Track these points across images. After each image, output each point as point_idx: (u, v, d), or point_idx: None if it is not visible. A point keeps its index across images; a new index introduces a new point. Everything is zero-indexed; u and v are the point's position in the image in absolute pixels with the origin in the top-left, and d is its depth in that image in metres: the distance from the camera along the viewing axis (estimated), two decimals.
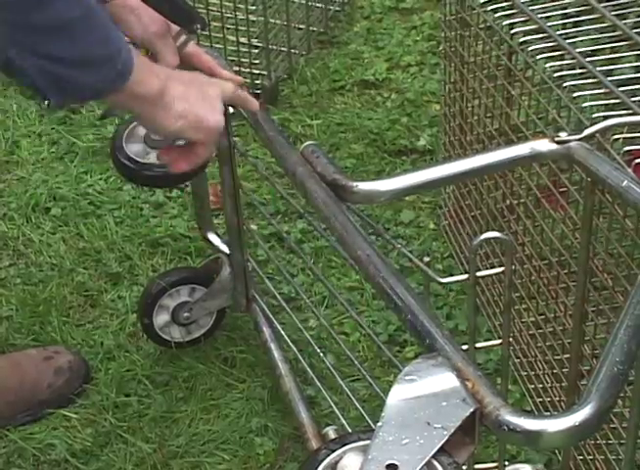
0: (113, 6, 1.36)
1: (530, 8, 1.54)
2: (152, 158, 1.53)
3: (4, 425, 1.74)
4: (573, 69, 1.44)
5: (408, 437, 0.85)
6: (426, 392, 0.88)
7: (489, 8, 1.62)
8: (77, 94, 1.12)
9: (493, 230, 1.57)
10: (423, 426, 0.85)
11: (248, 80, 2.39)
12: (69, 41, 1.05)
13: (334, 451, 0.87)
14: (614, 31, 1.47)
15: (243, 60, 2.47)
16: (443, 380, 0.89)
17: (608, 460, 1.47)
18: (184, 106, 1.19)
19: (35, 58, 1.04)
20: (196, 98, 1.21)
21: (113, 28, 1.12)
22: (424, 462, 0.83)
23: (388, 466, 0.83)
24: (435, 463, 0.84)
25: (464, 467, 0.89)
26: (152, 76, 1.16)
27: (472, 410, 0.87)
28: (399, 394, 0.88)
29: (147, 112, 1.19)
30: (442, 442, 0.84)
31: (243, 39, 2.47)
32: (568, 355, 1.51)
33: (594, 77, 1.39)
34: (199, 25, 1.40)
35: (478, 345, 1.14)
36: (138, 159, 1.53)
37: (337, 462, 0.86)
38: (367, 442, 0.86)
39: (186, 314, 1.78)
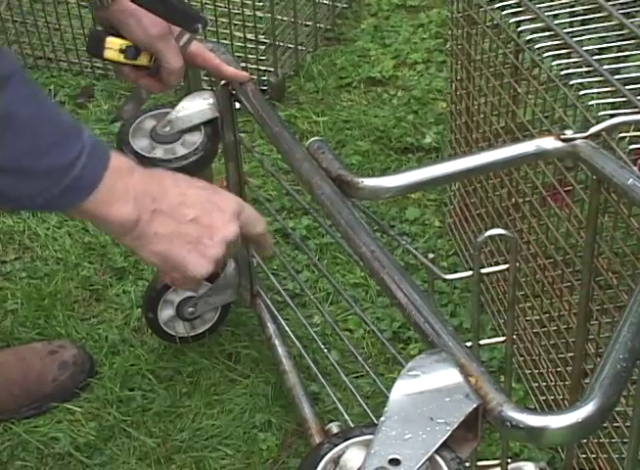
0: (112, 11, 1.36)
1: (538, 6, 1.54)
2: (158, 153, 1.53)
3: (8, 418, 1.75)
4: (580, 67, 1.44)
5: (411, 432, 0.85)
6: (429, 387, 0.88)
7: (496, 6, 1.62)
8: (9, 203, 0.98)
9: (498, 228, 1.57)
10: (426, 421, 0.85)
11: (254, 77, 2.39)
12: None
13: (336, 446, 0.87)
14: (621, 30, 1.47)
15: (249, 56, 2.47)
16: (447, 376, 0.90)
17: (611, 459, 1.47)
18: (165, 247, 1.04)
19: None
20: (185, 241, 1.04)
21: (65, 135, 0.98)
22: (426, 457, 0.83)
23: (391, 461, 0.83)
24: (438, 458, 0.85)
25: (467, 464, 0.89)
26: (126, 202, 1.00)
27: (475, 406, 0.87)
28: (403, 389, 0.88)
29: (115, 234, 1.04)
30: (445, 437, 0.85)
31: (250, 36, 2.47)
32: (572, 354, 1.51)
33: (601, 76, 1.39)
34: (199, 25, 1.39)
35: (481, 342, 1.14)
36: (144, 153, 1.54)
37: (339, 456, 0.86)
38: (370, 436, 0.86)
39: (190, 309, 1.78)
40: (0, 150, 0.93)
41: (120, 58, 1.39)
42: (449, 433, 0.85)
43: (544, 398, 1.67)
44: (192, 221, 1.04)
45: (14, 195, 0.95)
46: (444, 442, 0.85)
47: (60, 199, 0.96)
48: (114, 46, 1.38)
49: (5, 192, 0.95)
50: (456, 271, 1.98)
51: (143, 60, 1.40)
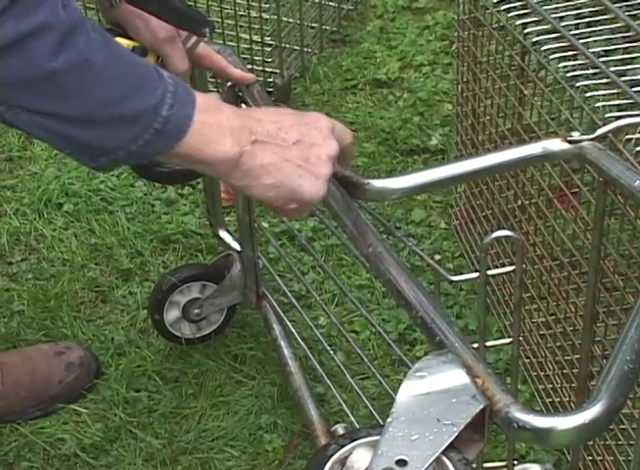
0: (119, 11, 1.36)
1: (544, 8, 1.54)
2: None
3: (15, 419, 1.75)
4: (586, 69, 1.44)
5: (418, 433, 0.85)
6: (436, 388, 0.88)
7: (503, 8, 1.62)
8: (105, 155, 0.95)
9: (504, 230, 1.57)
10: (433, 422, 0.85)
11: (260, 78, 2.39)
12: (60, 96, 0.91)
13: (343, 447, 0.87)
14: (627, 32, 1.47)
15: (256, 58, 2.48)
16: (454, 377, 0.89)
17: (617, 461, 1.47)
18: (275, 178, 1.01)
19: (27, 114, 0.92)
20: (295, 166, 1.02)
21: (144, 78, 0.96)
22: (433, 458, 0.83)
23: (398, 462, 0.83)
24: (445, 459, 0.84)
25: (473, 465, 0.89)
26: (224, 137, 0.98)
27: (482, 407, 0.87)
28: (409, 390, 0.88)
29: (220, 175, 1.02)
30: (452, 438, 0.84)
31: (256, 37, 2.47)
32: (578, 356, 1.51)
33: (607, 78, 1.39)
34: (207, 29, 1.39)
35: (488, 343, 1.14)
36: None
37: (346, 457, 0.86)
38: (376, 437, 0.86)
39: (196, 311, 1.79)
40: (84, 100, 0.92)
41: None
42: (456, 434, 0.85)
43: (550, 400, 1.67)
44: (295, 144, 1.02)
45: (108, 146, 0.94)
46: (451, 443, 0.84)
47: (153, 144, 0.95)
48: None
49: (99, 144, 0.94)
50: (462, 273, 1.97)
51: (150, 61, 1.41)
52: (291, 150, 1.02)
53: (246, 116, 1.02)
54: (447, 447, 0.84)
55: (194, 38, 1.40)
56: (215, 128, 0.98)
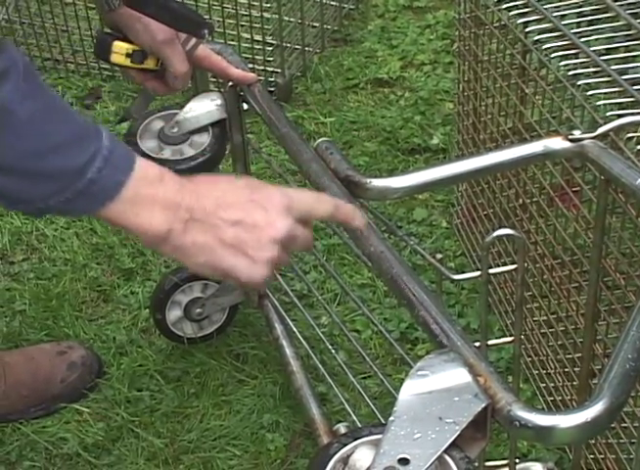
0: (119, 15, 1.36)
1: (545, 7, 1.54)
2: (166, 154, 1.54)
3: (17, 418, 1.75)
4: (588, 67, 1.44)
5: (420, 431, 0.85)
6: (438, 387, 0.89)
7: (504, 6, 1.62)
8: (23, 205, 0.93)
9: (505, 228, 1.57)
10: (435, 421, 0.86)
11: (261, 78, 2.39)
12: None
13: (345, 445, 0.87)
14: (628, 30, 1.47)
15: (257, 57, 2.48)
16: (456, 375, 0.90)
17: (619, 459, 1.47)
18: (206, 258, 0.96)
19: None
20: (229, 247, 0.95)
21: (77, 135, 0.92)
22: (435, 457, 0.83)
23: (400, 460, 0.83)
24: (447, 458, 0.85)
25: (475, 464, 0.89)
26: (153, 211, 0.93)
27: (484, 406, 0.87)
28: (412, 388, 0.88)
29: (148, 245, 0.97)
30: (454, 436, 0.85)
31: (257, 37, 2.47)
32: (579, 354, 1.51)
33: (608, 76, 1.39)
34: (206, 31, 1.40)
35: (489, 342, 1.14)
36: (152, 154, 1.54)
37: (348, 456, 0.86)
38: (379, 436, 0.86)
39: (198, 310, 1.79)
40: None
41: (127, 62, 1.40)
42: (458, 432, 0.85)
43: (552, 398, 1.67)
44: (233, 225, 0.95)
45: (25, 196, 0.91)
46: (453, 441, 0.85)
47: (75, 203, 0.91)
48: (120, 50, 1.39)
49: (15, 193, 0.91)
50: (463, 272, 1.97)
51: (150, 63, 1.41)
52: (226, 231, 0.95)
53: (187, 190, 0.96)
54: (449, 446, 0.85)
55: (193, 40, 1.40)
56: (147, 200, 0.93)
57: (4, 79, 0.88)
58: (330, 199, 1.07)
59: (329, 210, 1.03)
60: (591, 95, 1.41)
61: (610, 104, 1.37)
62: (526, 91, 1.63)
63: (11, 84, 0.88)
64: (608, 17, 1.51)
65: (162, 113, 1.57)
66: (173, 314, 1.79)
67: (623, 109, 1.34)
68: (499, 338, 1.20)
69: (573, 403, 1.58)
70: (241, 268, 0.96)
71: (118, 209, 0.93)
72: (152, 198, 0.93)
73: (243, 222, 0.96)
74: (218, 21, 2.44)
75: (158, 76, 1.43)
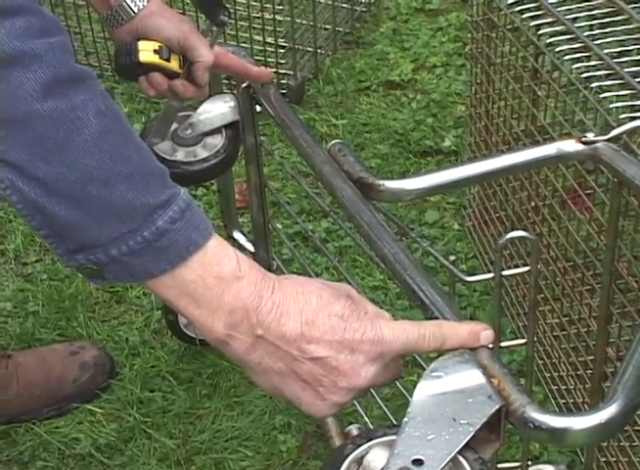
0: (141, 18, 1.36)
1: (558, 9, 1.54)
2: (179, 155, 1.54)
3: (30, 419, 1.76)
4: (600, 70, 1.44)
5: (434, 432, 0.85)
6: (452, 388, 0.88)
7: (517, 9, 1.62)
8: (83, 253, 0.80)
9: (518, 231, 1.57)
10: (449, 422, 0.86)
11: (274, 80, 2.40)
12: (42, 149, 0.76)
13: (360, 446, 0.87)
14: None
15: (269, 60, 2.48)
16: (469, 377, 0.90)
17: (632, 462, 1.47)
18: (272, 381, 0.84)
19: (18, 175, 0.77)
20: (300, 380, 0.83)
21: (153, 173, 0.81)
22: (449, 458, 0.83)
23: (414, 461, 0.83)
24: (461, 459, 0.85)
25: (488, 465, 0.89)
26: (216, 309, 0.80)
27: (497, 407, 0.87)
28: (426, 390, 0.88)
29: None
30: (468, 438, 0.84)
31: (269, 39, 2.48)
32: (592, 357, 1.51)
33: (621, 79, 1.39)
34: (225, 13, 1.40)
35: (502, 344, 1.14)
36: (165, 156, 1.54)
37: (362, 457, 0.86)
38: (393, 437, 0.86)
39: None
40: (61, 163, 0.77)
41: (156, 58, 1.37)
42: (472, 434, 0.85)
43: (564, 401, 1.67)
44: (312, 360, 0.82)
45: (85, 238, 0.79)
46: (467, 442, 0.85)
47: (138, 256, 0.79)
48: (147, 47, 1.36)
49: (75, 231, 0.79)
50: (475, 274, 1.97)
51: (174, 64, 1.39)
52: (302, 365, 0.83)
53: (269, 298, 0.82)
54: (463, 447, 0.84)
55: (213, 30, 1.41)
56: (215, 292, 0.80)
57: (82, 85, 0.80)
58: (441, 333, 0.89)
59: (436, 347, 0.88)
60: (604, 98, 1.41)
61: (623, 106, 1.37)
62: (539, 94, 1.63)
63: (89, 93, 0.80)
64: (620, 19, 1.51)
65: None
66: None
67: (636, 111, 1.34)
68: (511, 340, 1.20)
69: (585, 406, 1.58)
70: (306, 402, 0.85)
71: (181, 286, 0.80)
72: (220, 293, 0.80)
73: (324, 361, 0.83)
74: (231, 23, 2.44)
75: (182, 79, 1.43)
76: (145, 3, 1.34)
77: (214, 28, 1.41)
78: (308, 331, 0.82)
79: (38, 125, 0.76)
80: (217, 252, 0.81)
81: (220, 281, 0.80)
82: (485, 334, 0.89)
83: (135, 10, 1.34)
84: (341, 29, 2.71)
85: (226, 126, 1.56)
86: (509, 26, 1.68)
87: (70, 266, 0.82)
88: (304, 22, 2.58)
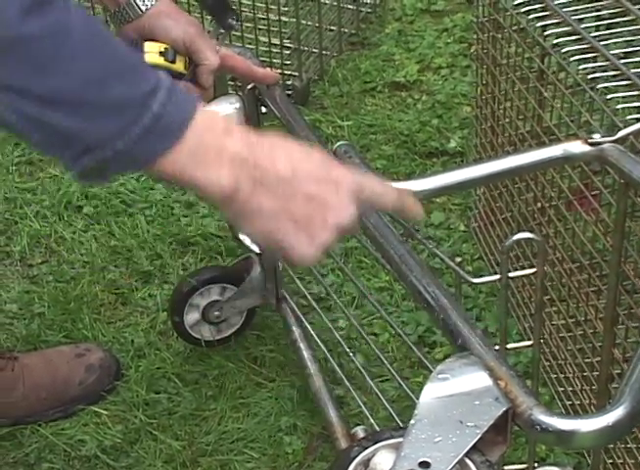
0: (149, 17, 1.36)
1: (564, 10, 1.54)
2: None
3: (36, 420, 1.76)
4: (607, 71, 1.44)
5: (441, 435, 0.85)
6: (458, 390, 0.89)
7: (522, 10, 1.62)
8: (90, 154, 0.84)
9: (525, 232, 1.57)
10: (455, 424, 0.86)
11: (280, 81, 2.40)
12: (34, 65, 0.80)
13: (366, 448, 0.88)
14: None
15: (274, 61, 2.48)
16: (476, 379, 0.90)
17: (638, 464, 1.46)
18: (266, 227, 0.89)
19: (16, 97, 0.81)
20: (294, 222, 0.89)
21: (134, 63, 0.87)
22: (456, 460, 0.83)
23: (421, 464, 0.83)
24: (468, 461, 0.85)
25: (495, 467, 0.89)
26: (220, 164, 0.86)
27: (504, 409, 0.87)
28: (432, 392, 0.88)
29: (210, 202, 0.92)
30: (475, 440, 0.85)
31: (275, 40, 2.48)
32: (598, 358, 1.50)
33: (628, 80, 1.39)
34: (234, 17, 1.40)
35: (508, 345, 1.14)
36: None
37: (369, 459, 0.86)
38: (399, 439, 0.86)
39: (216, 313, 1.79)
40: (61, 75, 0.81)
41: (161, 61, 1.37)
42: (479, 436, 0.85)
43: (570, 402, 1.67)
44: (304, 198, 0.89)
45: (91, 139, 0.83)
46: (474, 445, 0.85)
47: (141, 144, 0.83)
48: (153, 49, 1.35)
49: (80, 136, 0.83)
50: (481, 275, 1.96)
51: (179, 65, 1.39)
52: (296, 202, 0.89)
53: (259, 147, 0.89)
54: (470, 450, 0.85)
55: (219, 33, 1.41)
56: (213, 152, 0.86)
57: (57, 2, 0.82)
58: (395, 190, 0.99)
59: (393, 202, 0.98)
60: (610, 98, 1.40)
61: (629, 107, 1.37)
62: (545, 94, 1.63)
63: (65, 7, 0.82)
64: (627, 20, 1.51)
65: None
66: (191, 317, 1.79)
67: None
68: (517, 341, 1.20)
69: (592, 408, 1.58)
70: (298, 246, 0.90)
71: (182, 156, 0.85)
72: (218, 149, 0.86)
73: (316, 199, 0.90)
74: (238, 26, 2.45)
75: (186, 81, 1.43)
76: (154, 2, 1.34)
77: (221, 31, 1.41)
78: (299, 170, 0.89)
79: (27, 46, 0.79)
80: (206, 118, 0.87)
81: (215, 141, 0.86)
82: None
83: (143, 8, 1.34)
84: (346, 30, 2.71)
85: None
86: (515, 27, 1.68)
87: (75, 171, 0.86)
88: (310, 23, 2.58)
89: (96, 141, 0.83)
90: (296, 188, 0.89)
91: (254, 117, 1.56)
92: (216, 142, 0.87)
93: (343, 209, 0.91)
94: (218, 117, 0.90)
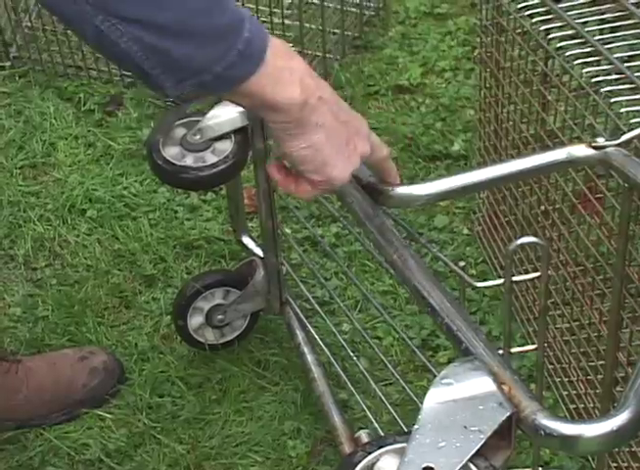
0: None
1: (567, 13, 1.54)
2: (188, 161, 1.54)
3: (40, 424, 1.76)
4: (610, 74, 1.43)
5: (445, 440, 0.85)
6: (462, 395, 0.88)
7: (526, 13, 1.62)
8: (192, 78, 0.94)
9: (528, 236, 1.57)
10: (460, 429, 0.85)
11: None
12: (155, 2, 0.91)
13: (370, 454, 0.87)
14: None
15: None
16: (480, 384, 0.89)
17: None
18: (321, 138, 1.01)
19: (124, 24, 0.90)
20: (338, 140, 1.03)
21: None
22: (460, 465, 0.83)
23: (425, 469, 0.83)
24: (472, 467, 0.84)
25: None
26: (293, 82, 0.98)
27: (508, 414, 0.87)
28: (436, 397, 0.88)
29: (273, 120, 1.01)
30: (479, 445, 0.84)
31: None
32: (602, 362, 1.50)
33: (631, 83, 1.39)
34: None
35: (512, 349, 1.14)
36: (175, 161, 1.54)
37: (373, 464, 0.86)
38: (403, 444, 0.86)
39: (220, 317, 1.79)
40: (178, 8, 0.91)
41: None
42: (483, 441, 0.85)
43: (574, 406, 1.67)
44: (343, 123, 1.03)
45: (197, 65, 0.93)
46: (478, 450, 0.84)
47: (235, 67, 0.94)
48: None
49: (189, 62, 0.93)
50: (485, 279, 1.97)
51: None
52: (340, 125, 1.03)
53: (313, 74, 1.03)
54: (474, 455, 0.84)
55: None
56: (286, 71, 0.98)
57: None
58: (387, 148, 1.14)
59: (385, 155, 1.13)
60: (614, 102, 1.40)
61: (633, 111, 1.37)
62: (549, 98, 1.63)
63: None
64: (630, 23, 1.51)
65: (185, 120, 1.58)
66: (195, 321, 1.79)
67: None
68: (521, 345, 1.20)
69: (596, 411, 1.58)
70: (339, 162, 1.03)
71: (264, 77, 0.96)
72: (290, 69, 0.98)
73: (349, 125, 1.04)
74: None
75: None
76: None
77: None
78: (339, 102, 1.04)
79: None
80: (278, 42, 0.99)
81: (288, 61, 0.98)
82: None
83: None
84: (349, 34, 2.70)
85: (235, 131, 1.55)
86: (518, 30, 1.68)
87: (173, 95, 0.95)
88: (313, 26, 2.58)
89: (199, 66, 0.93)
90: (339, 113, 1.03)
91: (258, 121, 1.56)
92: (286, 64, 0.98)
93: (366, 141, 1.07)
94: (280, 41, 1.00)
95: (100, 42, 0.92)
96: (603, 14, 1.56)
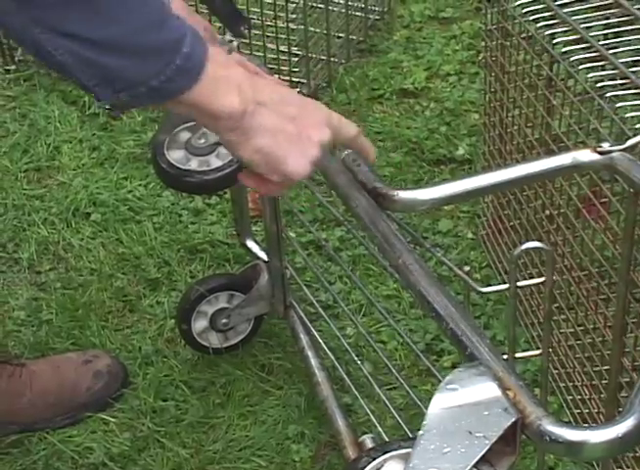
0: None
1: (572, 18, 1.54)
2: (193, 164, 1.54)
3: (43, 427, 1.76)
4: (615, 79, 1.43)
5: (450, 445, 0.84)
6: (467, 401, 0.88)
7: (531, 18, 1.62)
8: (128, 90, 0.96)
9: (532, 240, 1.57)
10: (464, 435, 0.85)
11: None
12: (94, 17, 0.92)
13: (375, 459, 0.87)
14: None
15: (282, 68, 2.48)
16: (485, 389, 0.89)
17: None
18: (267, 141, 1.03)
19: (61, 38, 0.92)
20: (287, 137, 1.04)
21: (168, 14, 0.98)
22: None
23: None
24: None
25: None
26: (230, 91, 0.99)
27: (513, 420, 0.87)
28: (441, 402, 0.88)
29: (216, 129, 1.03)
30: (484, 451, 0.84)
31: (283, 47, 2.48)
32: (607, 367, 1.50)
33: (636, 88, 1.39)
34: (246, 26, 1.40)
35: (517, 355, 1.14)
36: (179, 165, 1.54)
37: None
38: (408, 450, 0.86)
39: (224, 321, 1.79)
40: (117, 25, 0.92)
41: None
42: (488, 447, 0.84)
43: (579, 411, 1.66)
44: (292, 119, 1.04)
45: (133, 78, 0.95)
46: (483, 456, 0.84)
47: (173, 81, 0.95)
48: None
49: (124, 76, 0.94)
50: (489, 283, 1.97)
51: None
52: (287, 122, 1.04)
53: (253, 77, 1.04)
54: (479, 460, 0.84)
55: (229, 41, 1.40)
56: (224, 81, 0.99)
57: None
58: (357, 127, 1.14)
59: (354, 134, 1.13)
60: (619, 107, 1.40)
61: (638, 115, 1.37)
62: (554, 102, 1.62)
63: None
64: (636, 28, 1.50)
65: (190, 124, 1.58)
66: (199, 325, 1.79)
67: None
68: (525, 350, 1.19)
69: (600, 416, 1.57)
70: (292, 159, 1.04)
71: (203, 88, 0.97)
72: (227, 78, 1.00)
73: (300, 119, 1.05)
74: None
75: None
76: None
77: (229, 37, 1.41)
78: (284, 96, 1.05)
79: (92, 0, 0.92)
80: (216, 53, 1.00)
81: (223, 71, 0.99)
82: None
83: None
84: (354, 38, 2.71)
85: None
86: (523, 35, 1.68)
87: (106, 102, 0.97)
88: (318, 30, 2.58)
89: (136, 80, 0.95)
90: (285, 110, 1.03)
91: None
92: (224, 73, 0.99)
93: (322, 129, 1.06)
94: (218, 50, 1.02)
95: (37, 52, 0.93)
96: (608, 18, 1.56)
